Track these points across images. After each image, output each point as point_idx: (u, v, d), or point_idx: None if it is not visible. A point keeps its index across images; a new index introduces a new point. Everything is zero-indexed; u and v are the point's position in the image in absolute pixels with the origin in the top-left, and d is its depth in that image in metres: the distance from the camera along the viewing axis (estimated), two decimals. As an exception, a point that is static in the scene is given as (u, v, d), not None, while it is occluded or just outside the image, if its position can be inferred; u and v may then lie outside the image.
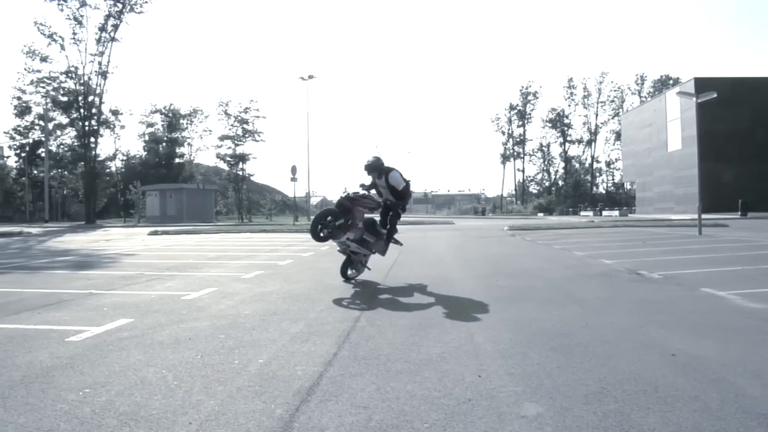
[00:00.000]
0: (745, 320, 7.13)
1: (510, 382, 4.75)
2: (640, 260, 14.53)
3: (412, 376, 4.92)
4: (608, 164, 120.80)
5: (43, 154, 72.64)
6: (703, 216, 26.95)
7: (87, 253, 19.90)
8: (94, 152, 61.03)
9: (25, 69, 65.73)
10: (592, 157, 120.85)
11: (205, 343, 6.23)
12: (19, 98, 77.61)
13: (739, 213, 45.96)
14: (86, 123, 59.32)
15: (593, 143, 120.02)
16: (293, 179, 44.34)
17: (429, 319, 7.40)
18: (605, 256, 15.63)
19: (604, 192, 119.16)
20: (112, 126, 76.71)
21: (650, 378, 4.78)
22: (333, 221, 10.48)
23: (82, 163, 61.26)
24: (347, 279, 11.15)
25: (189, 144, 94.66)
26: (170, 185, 64.02)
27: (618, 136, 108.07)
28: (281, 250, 19.90)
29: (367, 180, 11.52)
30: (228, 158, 71.00)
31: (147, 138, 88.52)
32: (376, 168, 11.15)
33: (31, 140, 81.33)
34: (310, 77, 61.12)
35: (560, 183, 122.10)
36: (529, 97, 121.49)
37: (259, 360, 5.49)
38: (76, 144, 64.80)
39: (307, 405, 4.27)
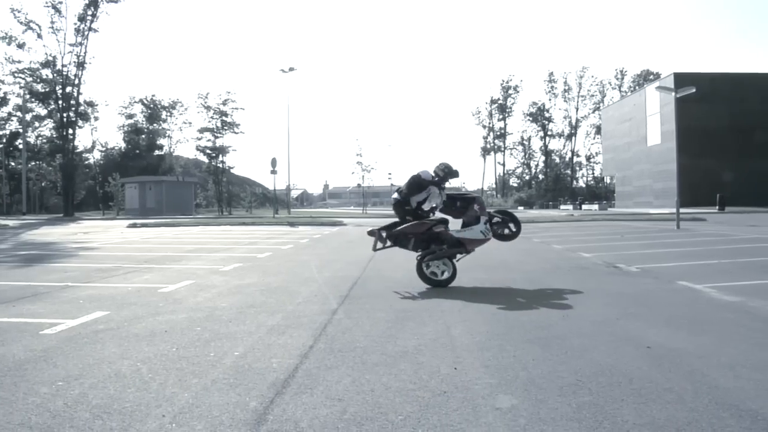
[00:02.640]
0: (721, 313, 7.18)
1: (485, 374, 4.75)
2: (619, 254, 14.63)
3: (387, 369, 4.92)
4: (588, 158, 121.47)
5: (21, 146, 71.78)
6: (682, 210, 27.18)
7: (64, 245, 19.70)
8: (72, 144, 60.40)
9: (5, 59, 64.81)
10: (573, 151, 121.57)
11: (181, 335, 6.19)
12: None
13: (717, 208, 46.34)
14: (64, 114, 58.70)
15: (573, 137, 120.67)
16: (273, 172, 44.10)
17: (407, 311, 7.40)
18: (584, 250, 15.72)
19: (584, 186, 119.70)
20: (89, 117, 75.64)
21: (625, 370, 4.79)
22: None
23: (60, 155, 60.65)
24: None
25: (169, 136, 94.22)
26: (150, 177, 63.62)
27: (598, 130, 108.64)
28: (260, 243, 19.83)
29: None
30: (207, 150, 70.46)
31: (127, 129, 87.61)
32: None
33: (8, 132, 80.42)
34: (291, 70, 61.07)
35: (540, 177, 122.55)
36: (510, 91, 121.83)
37: (234, 352, 5.46)
38: (54, 136, 64.12)
39: (282, 397, 4.24)
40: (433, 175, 10.26)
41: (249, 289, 9.36)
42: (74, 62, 57.80)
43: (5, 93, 76.09)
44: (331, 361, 5.16)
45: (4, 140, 79.59)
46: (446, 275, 9.78)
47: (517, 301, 8.16)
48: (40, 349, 5.65)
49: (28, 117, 73.76)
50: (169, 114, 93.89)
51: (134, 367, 5.02)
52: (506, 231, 10.59)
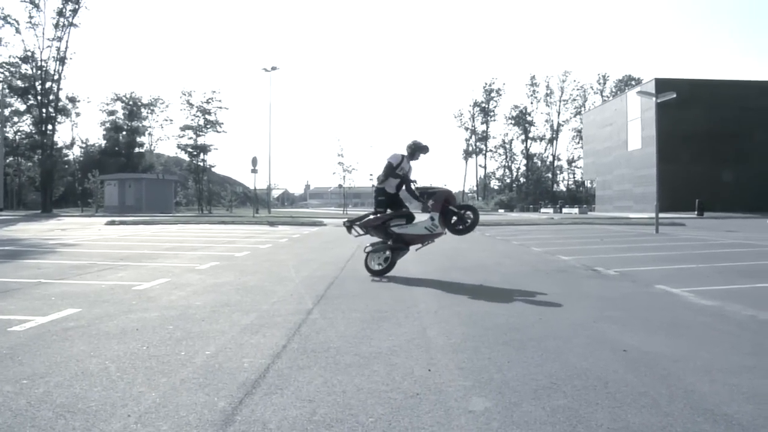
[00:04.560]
0: (698, 317, 7.17)
1: (459, 376, 4.69)
2: (598, 257, 14.63)
3: (360, 370, 4.84)
4: (570, 162, 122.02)
5: (-2, 141, 71.06)
6: (661, 215, 27.33)
7: (39, 242, 19.44)
8: (51, 140, 59.87)
9: (-17, 54, 64.03)
10: (554, 155, 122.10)
11: (152, 333, 6.08)
12: (-25, 83, 75.80)
13: (696, 213, 46.60)
14: (43, 110, 58.18)
15: (555, 141, 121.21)
16: (254, 171, 43.81)
17: (382, 312, 7.32)
18: (563, 253, 15.72)
19: (565, 190, 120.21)
20: (69, 113, 74.75)
21: (601, 374, 4.75)
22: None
23: (39, 150, 60.09)
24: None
25: (150, 134, 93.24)
26: (129, 175, 63.21)
27: (579, 134, 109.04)
28: (239, 242, 19.70)
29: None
30: (189, 149, 70.12)
31: (107, 126, 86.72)
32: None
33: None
34: (273, 69, 60.81)
35: (522, 180, 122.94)
36: (493, 94, 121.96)
37: (206, 351, 5.37)
38: (33, 131, 63.50)
39: (251, 398, 4.16)
40: (402, 155, 10.87)
41: (224, 288, 9.25)
42: (54, 57, 57.44)
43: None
44: (303, 361, 5.07)
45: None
46: (378, 267, 10.75)
47: (493, 302, 8.09)
48: (6, 346, 5.52)
49: (6, 112, 72.98)
50: (150, 111, 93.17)
51: (102, 366, 4.91)
52: (460, 227, 10.73)
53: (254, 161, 42.90)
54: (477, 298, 8.52)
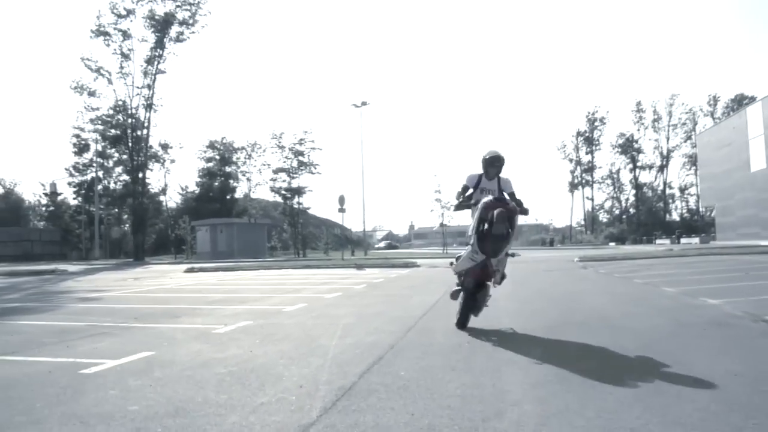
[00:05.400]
0: None
1: None
2: (757, 299, 10.89)
3: None
4: (682, 190, 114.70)
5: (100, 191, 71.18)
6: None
7: (72, 295, 17.04)
8: (141, 187, 59.25)
9: (84, 107, 64.06)
10: (665, 183, 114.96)
11: None
12: (77, 136, 76.18)
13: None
14: (134, 157, 57.66)
15: (665, 168, 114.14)
16: (341, 210, 41.22)
17: None
18: (706, 293, 11.98)
19: (678, 219, 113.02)
20: (162, 160, 73.96)
21: None
22: None
23: (131, 198, 59.58)
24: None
25: (248, 179, 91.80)
26: (221, 220, 61.38)
27: (692, 159, 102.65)
28: (305, 290, 16.69)
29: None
30: (283, 191, 68.45)
31: (202, 173, 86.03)
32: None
33: (89, 177, 79.71)
34: (364, 104, 58.61)
35: (631, 211, 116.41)
36: (596, 123, 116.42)
37: None
38: (127, 179, 63.16)
39: None
40: (479, 174, 8.88)
41: (209, 373, 6.13)
42: (143, 105, 57.05)
43: (86, 140, 75.67)
44: None
45: (85, 186, 78.90)
46: (456, 318, 8.49)
47: (637, 396, 4.71)
48: None
49: (110, 163, 73.35)
50: (247, 156, 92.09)
51: None
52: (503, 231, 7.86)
53: (341, 200, 40.24)
54: (609, 382, 5.12)
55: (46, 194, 79.94)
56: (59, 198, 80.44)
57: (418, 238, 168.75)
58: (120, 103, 57.83)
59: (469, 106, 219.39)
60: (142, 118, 57.42)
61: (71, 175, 79.32)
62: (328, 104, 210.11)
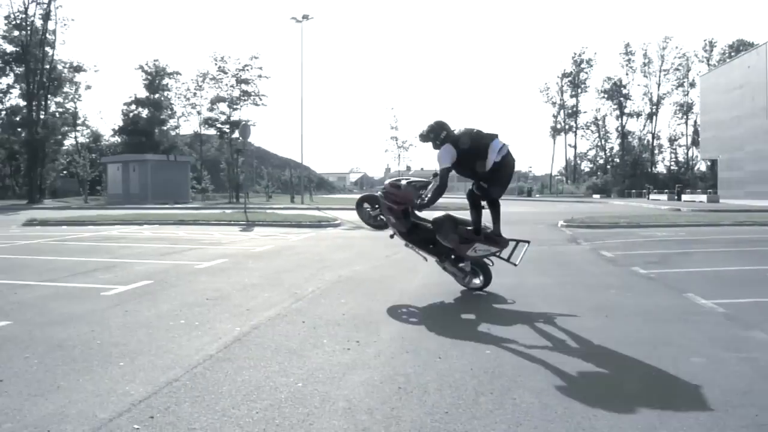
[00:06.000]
0: None
1: None
2: None
3: None
4: (672, 140, 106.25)
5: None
6: None
7: None
8: (37, 115, 49.31)
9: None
10: (653, 133, 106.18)
11: None
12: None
13: None
14: (30, 79, 47.61)
15: (654, 116, 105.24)
16: (242, 141, 31.76)
17: None
18: None
19: (665, 171, 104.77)
20: (64, 83, 61.21)
21: None
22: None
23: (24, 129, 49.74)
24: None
25: (183, 113, 79.39)
26: (133, 156, 51.39)
27: (684, 108, 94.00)
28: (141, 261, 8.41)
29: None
30: (219, 125, 58.70)
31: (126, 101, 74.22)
32: (427, 137, 8.25)
33: (8, 105, 68.44)
34: (305, 18, 48.59)
35: (616, 161, 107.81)
36: (583, 65, 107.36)
37: None
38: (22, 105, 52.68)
39: None
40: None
41: None
42: (39, 14, 46.84)
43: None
44: None
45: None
46: None
47: None
48: None
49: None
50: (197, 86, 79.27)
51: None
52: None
53: (243, 130, 30.25)
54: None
55: None
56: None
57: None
58: (18, 14, 47.77)
59: (440, 34, 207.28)
60: (39, 28, 47.22)
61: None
62: (264, 18, 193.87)
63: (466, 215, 8.36)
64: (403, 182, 8.39)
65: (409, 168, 54.83)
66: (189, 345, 5.64)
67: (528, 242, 8.46)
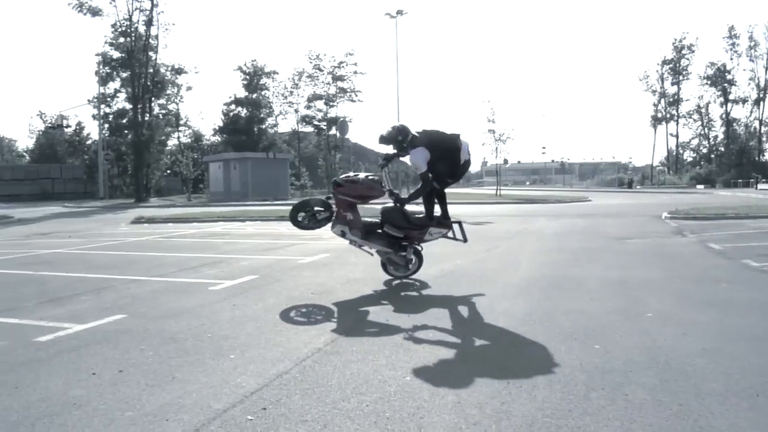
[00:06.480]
0: None
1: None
2: None
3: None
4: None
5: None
6: None
7: None
8: (143, 117, 51.15)
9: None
10: (760, 120, 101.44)
11: None
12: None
13: None
14: (135, 82, 49.42)
15: (762, 102, 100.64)
16: (340, 137, 32.26)
17: None
18: None
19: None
20: (166, 86, 61.81)
21: None
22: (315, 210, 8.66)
23: (132, 131, 51.66)
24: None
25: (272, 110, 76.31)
26: (234, 154, 52.67)
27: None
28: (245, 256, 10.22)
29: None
30: (316, 122, 59.69)
31: (226, 102, 75.63)
32: (393, 140, 8.44)
33: (115, 109, 70.67)
34: (400, 13, 48.77)
35: (721, 149, 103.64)
36: (684, 51, 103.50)
37: None
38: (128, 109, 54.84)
39: None
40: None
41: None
42: (143, 21, 48.64)
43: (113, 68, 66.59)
44: None
45: (110, 119, 69.40)
46: None
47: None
48: None
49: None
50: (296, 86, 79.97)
51: None
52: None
53: (342, 126, 30.70)
54: None
55: (51, 127, 72.62)
56: (84, 132, 73.59)
57: (489, 175, 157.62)
58: (123, 21, 49.71)
59: (535, 24, 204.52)
60: (143, 35, 49.07)
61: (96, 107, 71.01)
62: (358, 14, 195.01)
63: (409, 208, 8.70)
64: (361, 176, 8.53)
65: (506, 161, 53.85)
66: (297, 338, 5.82)
67: (460, 222, 8.84)
